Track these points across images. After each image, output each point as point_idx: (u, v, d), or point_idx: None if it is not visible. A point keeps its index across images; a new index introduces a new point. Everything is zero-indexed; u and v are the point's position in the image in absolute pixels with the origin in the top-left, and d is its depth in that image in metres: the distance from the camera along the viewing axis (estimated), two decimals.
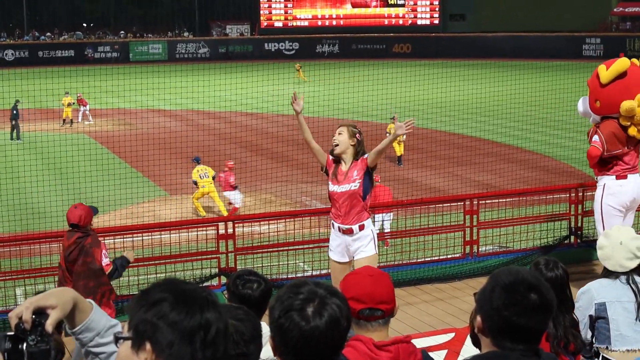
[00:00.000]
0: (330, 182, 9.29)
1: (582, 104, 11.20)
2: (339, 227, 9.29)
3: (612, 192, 10.93)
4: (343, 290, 3.87)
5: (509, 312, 3.32)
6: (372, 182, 9.34)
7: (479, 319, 3.44)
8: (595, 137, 10.84)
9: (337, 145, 9.18)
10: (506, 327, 3.35)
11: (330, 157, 9.38)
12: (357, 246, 9.31)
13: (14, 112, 37.36)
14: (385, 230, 16.47)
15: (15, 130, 37.37)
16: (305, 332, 3.02)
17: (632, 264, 5.98)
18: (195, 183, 24.15)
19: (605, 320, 6.04)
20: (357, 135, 9.26)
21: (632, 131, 10.58)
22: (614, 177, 10.92)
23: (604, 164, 10.96)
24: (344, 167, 9.25)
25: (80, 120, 42.75)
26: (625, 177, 10.89)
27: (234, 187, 24.00)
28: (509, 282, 3.39)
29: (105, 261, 9.69)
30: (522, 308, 3.32)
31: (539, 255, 12.62)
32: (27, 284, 11.63)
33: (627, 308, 5.99)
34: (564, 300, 5.72)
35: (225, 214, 23.50)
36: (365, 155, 9.23)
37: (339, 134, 9.20)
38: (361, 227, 9.26)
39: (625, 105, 10.43)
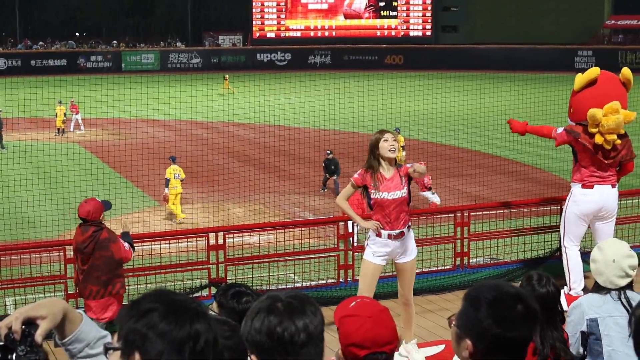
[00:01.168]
0: (375, 190, 9.26)
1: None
2: (389, 234, 9.34)
3: (576, 200, 11.19)
4: (343, 337, 3.77)
5: (501, 328, 3.25)
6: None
7: (468, 343, 3.33)
8: (560, 129, 11.21)
9: (394, 150, 9.25)
10: (499, 344, 3.28)
11: (364, 170, 9.37)
12: (403, 248, 9.47)
13: None
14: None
15: None
16: (294, 331, 3.01)
17: (623, 282, 5.96)
18: (168, 182, 24.27)
19: (597, 336, 6.02)
20: None
21: (599, 139, 10.82)
22: (580, 185, 11.15)
23: (576, 172, 11.22)
24: (386, 174, 9.30)
25: (72, 129, 42.69)
26: (591, 186, 11.09)
27: (429, 188, 24.69)
28: (493, 298, 3.31)
29: (126, 246, 10.19)
30: (512, 321, 3.26)
31: (529, 267, 12.64)
32: (17, 294, 11.59)
33: (620, 323, 5.97)
34: (555, 316, 5.72)
35: (180, 217, 23.85)
36: (409, 165, 9.32)
37: (395, 140, 9.28)
38: (408, 227, 9.50)
39: (590, 112, 10.70)
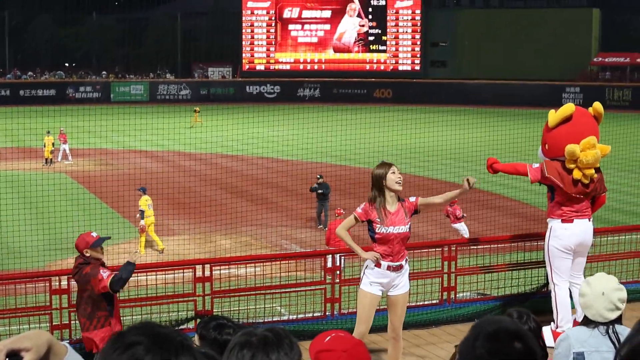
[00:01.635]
0: (381, 225, 9.38)
1: (540, 149, 11.62)
2: (388, 266, 9.45)
3: (557, 235, 11.28)
4: None
5: None
6: None
7: None
8: (536, 165, 11.33)
9: (401, 183, 9.39)
10: None
11: (368, 204, 9.46)
12: (399, 281, 9.59)
13: None
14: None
15: None
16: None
17: (612, 315, 5.94)
18: (143, 213, 24.57)
19: None
20: None
21: (577, 174, 10.98)
22: (560, 220, 11.26)
23: (554, 208, 11.31)
24: (390, 208, 9.41)
25: (60, 159, 42.60)
26: (571, 220, 11.23)
27: (460, 219, 24.86)
28: (492, 331, 3.34)
29: (105, 275, 10.05)
30: (506, 357, 3.27)
31: (516, 302, 12.62)
32: (1, 325, 11.50)
33: (606, 358, 5.95)
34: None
35: (161, 247, 24.00)
36: (412, 199, 9.51)
37: (400, 172, 9.40)
38: (406, 261, 9.67)
39: (569, 148, 10.82)
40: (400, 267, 9.50)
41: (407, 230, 9.47)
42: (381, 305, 10.15)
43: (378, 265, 9.43)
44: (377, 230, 9.39)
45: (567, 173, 11.00)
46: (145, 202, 24.72)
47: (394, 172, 9.33)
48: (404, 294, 9.67)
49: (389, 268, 9.45)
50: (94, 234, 10.33)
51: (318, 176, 28.10)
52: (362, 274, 9.69)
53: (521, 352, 3.28)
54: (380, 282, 9.52)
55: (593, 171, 11.00)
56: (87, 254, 10.14)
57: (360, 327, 9.53)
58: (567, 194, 11.07)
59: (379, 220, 9.32)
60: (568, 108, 11.12)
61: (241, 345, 3.05)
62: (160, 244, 24.46)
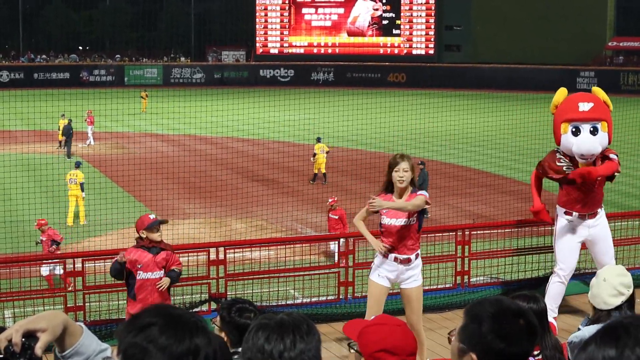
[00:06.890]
0: (384, 216, 9.46)
1: (600, 141, 11.11)
2: (395, 257, 9.50)
3: None
4: (372, 344, 3.76)
5: (504, 343, 3.27)
6: (423, 215, 9.60)
7: (473, 357, 3.32)
8: (613, 156, 11.15)
9: (403, 181, 9.31)
10: (502, 357, 3.29)
11: (383, 194, 9.49)
12: (409, 275, 9.61)
13: (70, 130, 37.96)
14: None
15: (66, 149, 38.50)
16: (283, 348, 3.01)
17: (616, 301, 5.86)
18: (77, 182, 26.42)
19: None
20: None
21: None
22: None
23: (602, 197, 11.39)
24: (399, 199, 9.42)
25: (92, 141, 42.65)
26: None
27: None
28: (495, 312, 3.34)
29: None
30: (515, 336, 3.29)
31: (530, 287, 12.62)
32: (17, 307, 11.58)
33: None
34: (546, 327, 5.72)
35: (69, 223, 25.39)
36: (422, 192, 9.40)
37: (405, 170, 9.32)
38: (417, 256, 9.65)
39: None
40: (408, 261, 9.52)
41: (407, 223, 9.40)
42: (395, 288, 10.16)
43: (385, 255, 9.50)
44: (382, 222, 9.55)
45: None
46: (68, 176, 26.51)
47: (397, 171, 9.33)
48: (416, 288, 9.70)
49: (395, 260, 9.51)
50: (152, 216, 10.48)
51: (419, 162, 25.61)
52: (372, 264, 9.78)
53: (526, 328, 3.34)
54: (387, 274, 9.59)
55: None
56: (144, 235, 10.28)
57: (370, 316, 9.56)
58: None
59: (384, 211, 9.38)
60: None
61: (257, 328, 3.09)
62: (81, 220, 25.87)
